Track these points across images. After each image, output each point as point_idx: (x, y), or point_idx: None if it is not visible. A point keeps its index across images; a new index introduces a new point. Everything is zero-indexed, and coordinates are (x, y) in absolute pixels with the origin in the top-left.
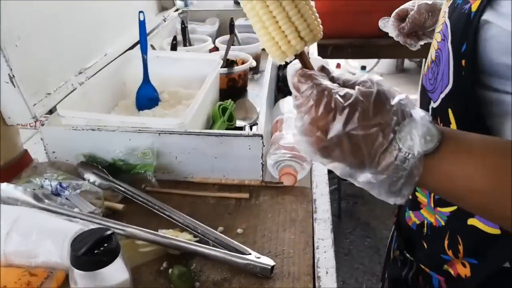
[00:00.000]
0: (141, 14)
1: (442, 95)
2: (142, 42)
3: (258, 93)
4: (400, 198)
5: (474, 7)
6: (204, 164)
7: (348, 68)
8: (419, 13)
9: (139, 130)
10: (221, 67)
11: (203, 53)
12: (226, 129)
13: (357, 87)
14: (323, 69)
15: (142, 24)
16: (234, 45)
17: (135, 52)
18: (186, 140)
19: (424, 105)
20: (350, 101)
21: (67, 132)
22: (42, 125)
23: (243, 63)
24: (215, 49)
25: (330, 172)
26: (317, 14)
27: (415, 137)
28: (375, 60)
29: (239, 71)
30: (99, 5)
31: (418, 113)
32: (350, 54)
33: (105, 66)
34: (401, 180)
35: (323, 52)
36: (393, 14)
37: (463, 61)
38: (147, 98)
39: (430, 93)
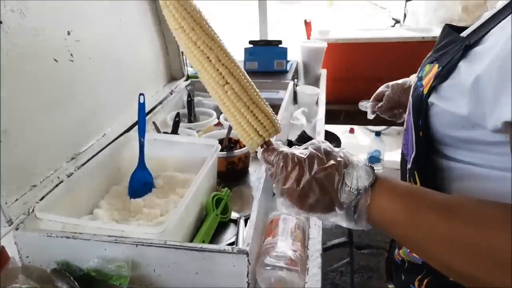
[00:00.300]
0: (141, 97)
1: (411, 159)
2: (141, 125)
3: (259, 176)
4: (359, 224)
5: (425, 91)
6: (184, 279)
7: (362, 131)
8: (393, 92)
9: (116, 240)
10: (222, 148)
11: (201, 138)
12: (220, 222)
13: (309, 146)
14: (277, 144)
15: (141, 107)
16: None
17: (132, 134)
18: (165, 252)
19: (403, 166)
20: (308, 154)
21: (42, 238)
22: (17, 229)
23: None
24: (219, 124)
25: (342, 244)
26: (270, 117)
27: (358, 177)
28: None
29: (239, 154)
30: (100, 84)
31: (357, 160)
32: (363, 121)
33: (101, 150)
34: (355, 211)
35: (336, 118)
36: (372, 98)
37: (420, 133)
38: (141, 183)
39: (405, 156)
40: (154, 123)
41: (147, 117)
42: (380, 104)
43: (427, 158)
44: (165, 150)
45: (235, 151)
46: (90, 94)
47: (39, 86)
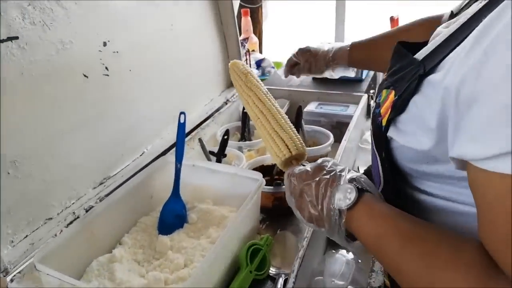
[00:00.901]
0: (182, 116)
1: (380, 190)
2: (179, 149)
3: None
4: (349, 244)
5: (384, 121)
6: None
7: None
8: (303, 64)
9: None
10: (272, 174)
11: (245, 170)
12: (254, 280)
13: (310, 163)
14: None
15: (181, 128)
16: None
17: (170, 157)
18: None
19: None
20: (300, 170)
21: None
22: (12, 281)
23: None
24: None
25: None
26: (287, 142)
27: (340, 197)
28: None
29: None
30: (141, 97)
31: (347, 177)
32: None
33: (133, 175)
34: (336, 223)
35: None
36: (287, 63)
37: (386, 165)
38: (173, 215)
39: (376, 184)
40: (200, 140)
41: (194, 132)
42: (293, 76)
43: (396, 189)
44: (204, 178)
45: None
46: (128, 110)
47: (63, 107)
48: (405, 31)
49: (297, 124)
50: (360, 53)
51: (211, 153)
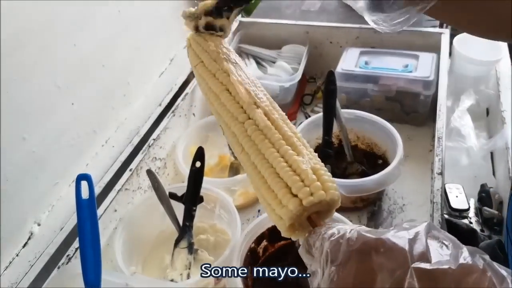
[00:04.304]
0: (83, 184)
1: None
2: (87, 257)
3: None
4: None
5: None
6: None
7: None
8: None
9: None
10: None
11: None
12: None
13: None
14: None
15: (83, 210)
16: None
17: (77, 266)
18: None
19: None
20: (388, 242)
21: None
22: None
23: None
24: None
25: None
26: (321, 175)
27: None
28: None
29: None
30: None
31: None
32: None
33: None
34: None
35: None
36: None
37: None
38: None
39: None
40: (149, 173)
41: (142, 152)
42: None
43: None
44: None
45: None
46: None
47: None
48: None
49: (328, 107)
50: None
51: (173, 197)
